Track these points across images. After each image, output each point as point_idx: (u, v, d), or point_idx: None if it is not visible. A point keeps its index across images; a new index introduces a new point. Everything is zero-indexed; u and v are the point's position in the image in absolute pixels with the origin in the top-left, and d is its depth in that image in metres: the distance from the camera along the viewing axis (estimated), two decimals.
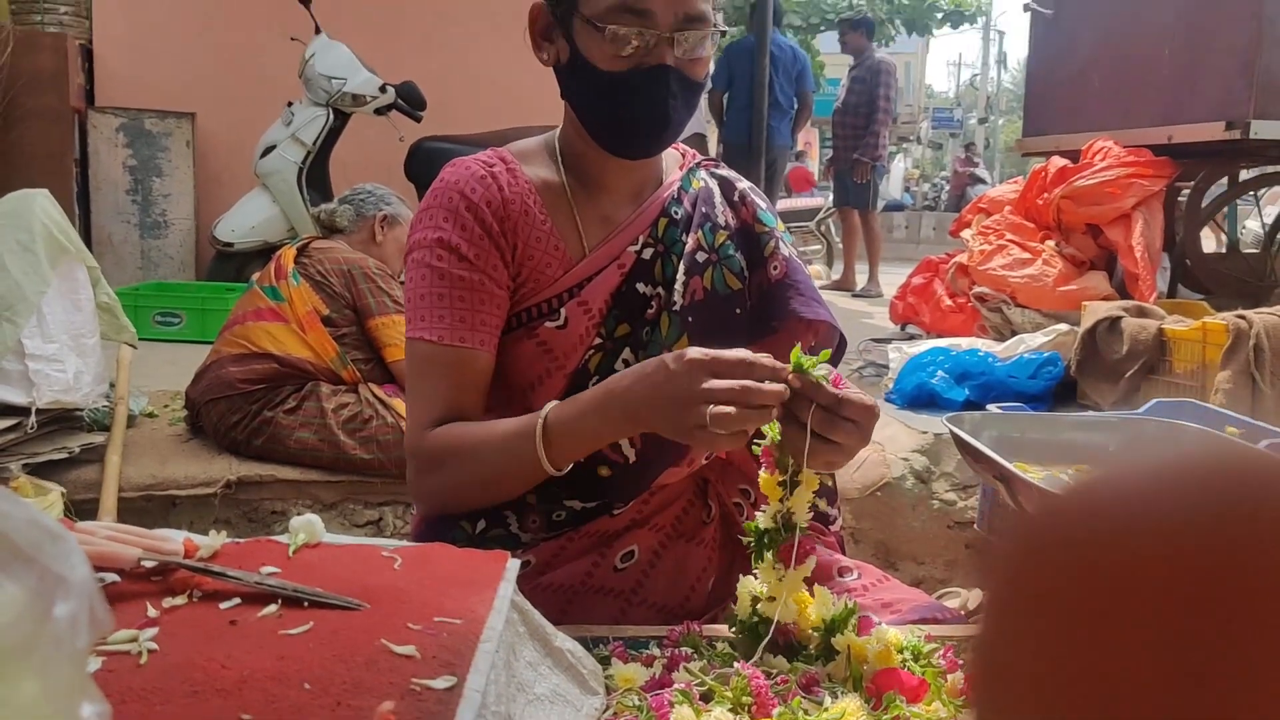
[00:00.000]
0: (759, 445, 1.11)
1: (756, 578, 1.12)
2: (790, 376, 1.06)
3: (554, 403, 1.17)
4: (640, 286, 1.31)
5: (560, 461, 1.16)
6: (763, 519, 1.11)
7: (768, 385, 1.03)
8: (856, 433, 1.06)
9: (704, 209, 1.37)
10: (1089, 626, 0.30)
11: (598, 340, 1.29)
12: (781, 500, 1.10)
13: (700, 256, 1.34)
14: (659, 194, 1.36)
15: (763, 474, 1.11)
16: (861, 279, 7.69)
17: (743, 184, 1.44)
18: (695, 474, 1.41)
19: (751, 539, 1.12)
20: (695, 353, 1.06)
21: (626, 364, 1.30)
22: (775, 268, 1.39)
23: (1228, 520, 0.30)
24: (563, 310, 1.28)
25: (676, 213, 1.35)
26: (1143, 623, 0.29)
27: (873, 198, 7.67)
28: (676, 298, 1.31)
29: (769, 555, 1.10)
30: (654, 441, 1.28)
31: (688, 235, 1.34)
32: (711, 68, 6.26)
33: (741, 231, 1.40)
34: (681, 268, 1.32)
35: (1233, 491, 0.31)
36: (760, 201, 1.43)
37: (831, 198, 7.86)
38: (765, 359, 1.05)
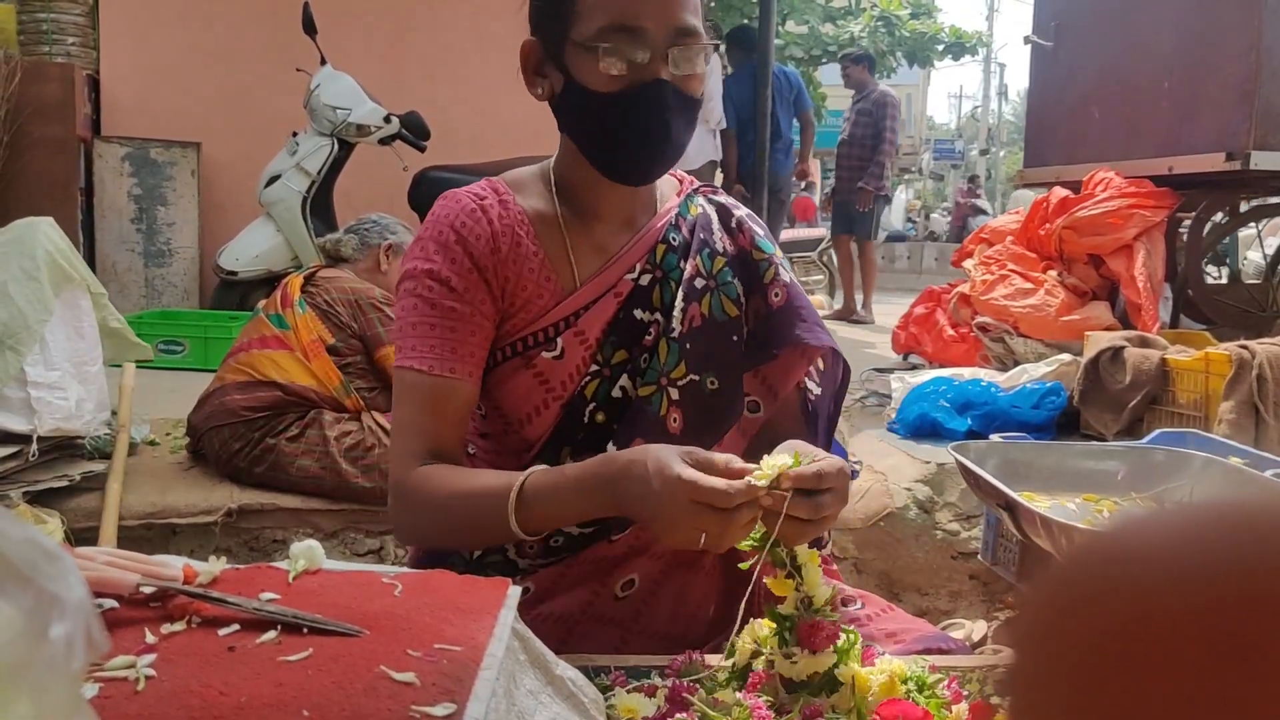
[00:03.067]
0: (746, 563, 1.09)
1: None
2: (770, 495, 1.04)
3: (537, 468, 1.17)
4: (638, 313, 1.31)
5: (531, 527, 1.15)
6: (784, 608, 1.09)
7: (745, 511, 1.03)
8: (834, 500, 1.07)
9: (702, 235, 1.37)
10: (1121, 679, 0.30)
11: (594, 367, 1.29)
12: (797, 589, 1.08)
13: (698, 283, 1.34)
14: (656, 220, 1.35)
15: (767, 579, 1.09)
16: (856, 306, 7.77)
17: (740, 210, 1.44)
18: None
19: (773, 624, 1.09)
20: (688, 477, 1.02)
21: (624, 390, 1.30)
22: (776, 294, 1.38)
23: (1259, 571, 0.29)
24: (559, 340, 1.28)
25: (675, 239, 1.35)
26: (1175, 675, 0.29)
27: (875, 228, 7.72)
28: (675, 324, 1.31)
29: (789, 636, 1.07)
30: None
31: (686, 261, 1.34)
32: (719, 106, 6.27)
33: (739, 258, 1.39)
34: (680, 294, 1.32)
35: (1263, 541, 0.30)
36: (758, 228, 1.43)
37: (830, 227, 7.90)
38: (742, 487, 1.03)
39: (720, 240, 1.39)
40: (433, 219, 1.29)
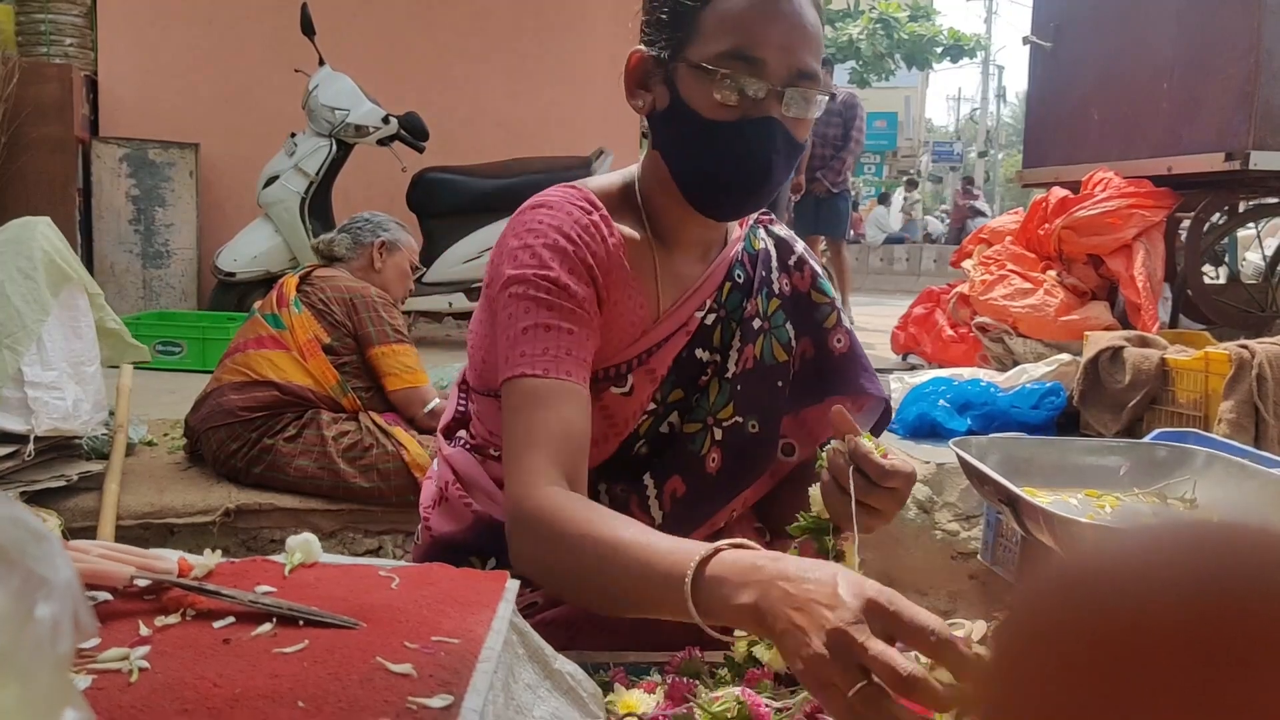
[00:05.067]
0: (797, 543, 1.10)
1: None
2: (843, 443, 1.07)
3: (724, 547, 0.94)
4: (699, 352, 1.27)
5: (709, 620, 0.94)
6: None
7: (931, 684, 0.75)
8: (893, 499, 1.07)
9: (764, 273, 1.33)
10: (1102, 696, 0.30)
11: (652, 405, 1.25)
12: None
13: (756, 324, 1.30)
14: (725, 254, 1.30)
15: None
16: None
17: (799, 246, 1.40)
18: None
19: None
20: (873, 593, 0.81)
21: (672, 426, 1.27)
22: (839, 340, 1.36)
23: (1245, 590, 0.29)
24: (630, 378, 1.23)
25: (739, 276, 1.30)
26: (1155, 692, 0.29)
27: (845, 227, 7.76)
28: (731, 365, 1.27)
29: None
30: (684, 505, 1.26)
31: (748, 301, 1.30)
32: None
33: (794, 299, 1.35)
34: (738, 335, 1.28)
35: (1233, 560, 0.31)
36: (817, 268, 1.39)
37: (795, 228, 7.90)
38: (958, 641, 0.78)
39: (779, 280, 1.34)
40: (538, 226, 1.18)
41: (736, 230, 1.34)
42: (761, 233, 1.38)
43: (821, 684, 0.79)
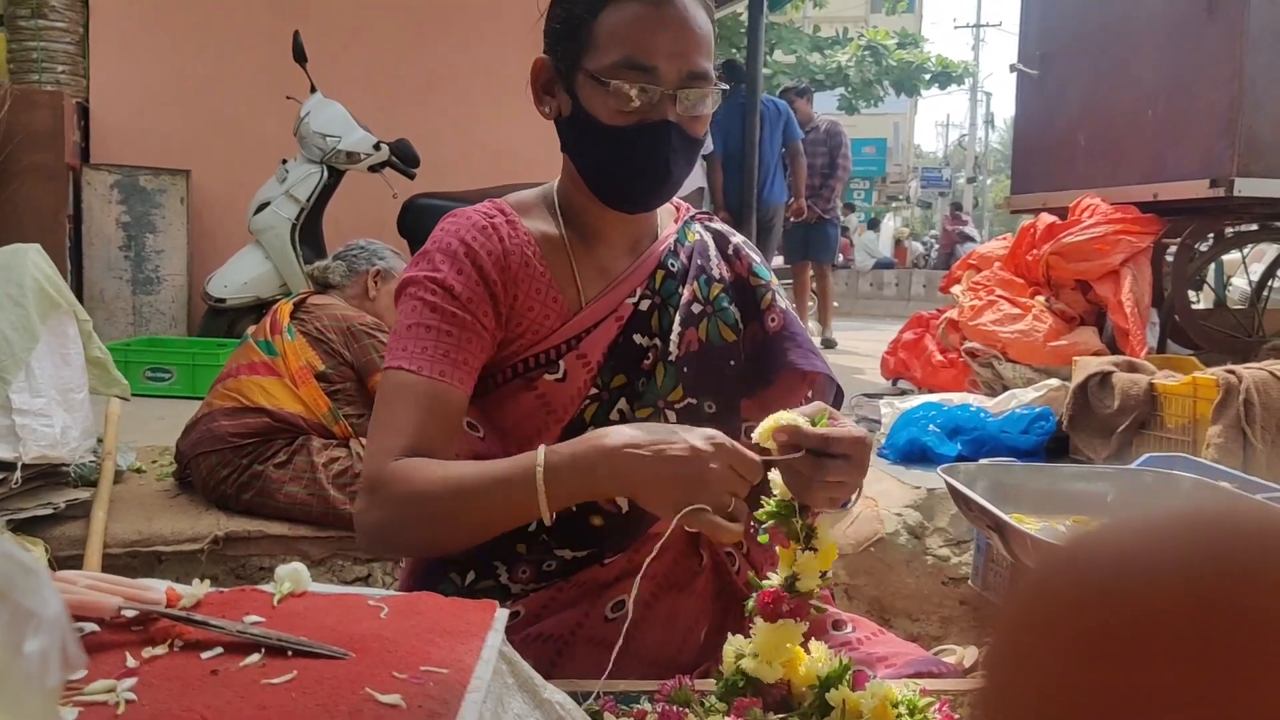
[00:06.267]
0: (765, 531, 1.11)
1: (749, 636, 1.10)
2: (778, 433, 1.08)
3: (545, 447, 1.13)
4: (637, 338, 1.31)
5: (556, 506, 1.12)
6: (770, 582, 1.09)
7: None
8: (848, 467, 1.08)
9: (699, 261, 1.38)
10: (1091, 678, 0.30)
11: (594, 391, 1.29)
12: (793, 561, 1.08)
13: (695, 308, 1.34)
14: (656, 246, 1.36)
15: (779, 549, 1.10)
16: (813, 324, 7.87)
17: (736, 238, 1.45)
18: None
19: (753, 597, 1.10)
20: (722, 439, 1.08)
21: (621, 414, 1.30)
22: (773, 320, 1.39)
23: (1225, 572, 0.30)
24: (561, 363, 1.27)
25: (673, 265, 1.35)
26: (1144, 672, 0.29)
27: (833, 252, 7.94)
28: (672, 348, 1.31)
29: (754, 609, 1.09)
30: None
31: (684, 287, 1.35)
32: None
33: (736, 284, 1.40)
34: (677, 319, 1.32)
35: (1229, 543, 0.31)
36: (754, 255, 1.44)
37: (786, 254, 7.96)
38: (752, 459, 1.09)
39: (718, 267, 1.40)
40: (440, 234, 1.29)
41: (670, 226, 1.40)
42: (697, 226, 1.44)
43: (701, 489, 1.05)
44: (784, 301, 1.42)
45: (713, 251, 1.41)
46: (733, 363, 1.36)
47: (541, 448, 1.12)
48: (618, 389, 1.30)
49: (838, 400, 1.44)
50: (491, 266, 1.25)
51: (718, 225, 1.47)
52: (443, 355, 1.21)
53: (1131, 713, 0.29)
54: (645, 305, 1.32)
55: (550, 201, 1.36)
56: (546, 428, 1.28)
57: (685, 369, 1.31)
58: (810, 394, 1.41)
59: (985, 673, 0.34)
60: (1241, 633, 0.28)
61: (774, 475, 1.10)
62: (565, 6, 1.26)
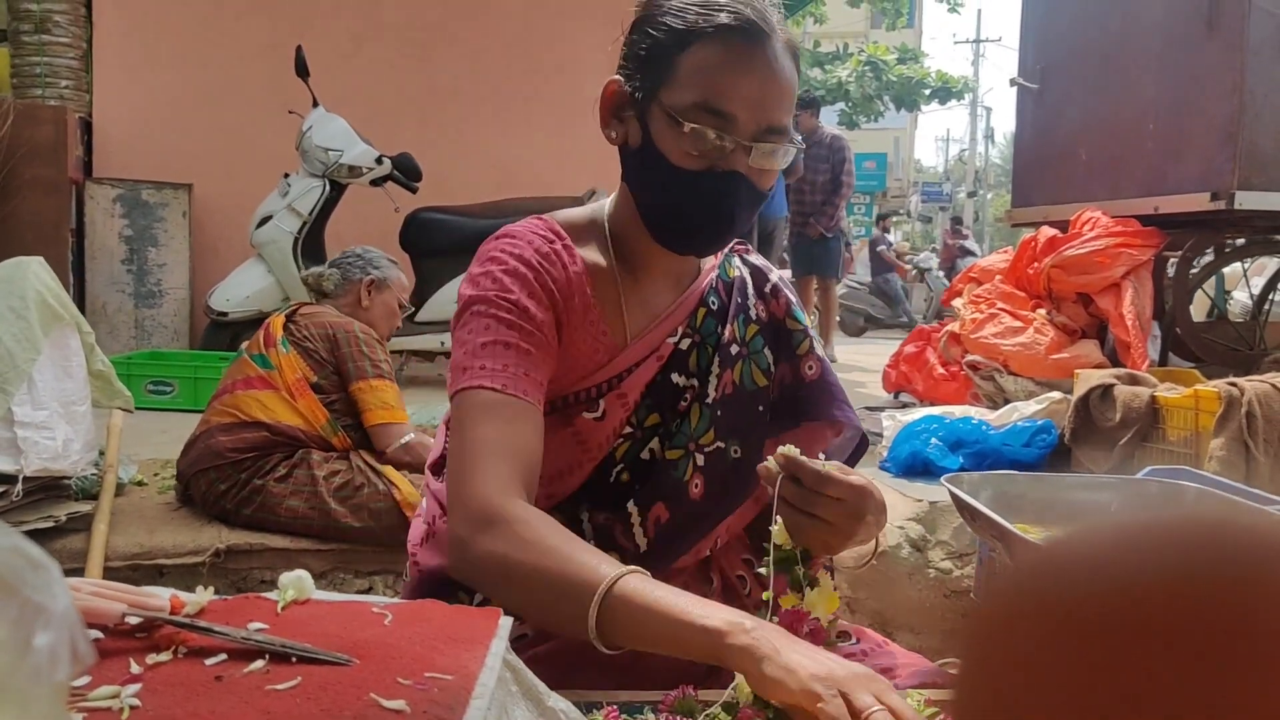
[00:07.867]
0: (764, 569, 1.10)
1: None
2: (778, 456, 1.08)
3: (636, 571, 0.99)
4: (675, 377, 1.28)
5: (613, 640, 0.98)
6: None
7: None
8: (842, 510, 1.07)
9: (739, 299, 1.35)
10: (1065, 678, 0.30)
11: (628, 429, 1.26)
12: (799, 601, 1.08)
13: (733, 349, 1.32)
14: (699, 283, 1.33)
15: (781, 598, 1.09)
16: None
17: (774, 274, 1.42)
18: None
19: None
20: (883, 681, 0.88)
21: (653, 453, 1.27)
22: (810, 367, 1.37)
23: (1204, 574, 0.30)
24: (601, 402, 1.24)
25: (714, 303, 1.32)
26: (1120, 672, 0.29)
27: (837, 267, 7.90)
28: (710, 390, 1.28)
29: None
30: (668, 532, 1.26)
31: (723, 326, 1.32)
32: None
33: (771, 325, 1.37)
34: (716, 360, 1.30)
35: (1208, 544, 0.31)
36: (792, 296, 1.41)
37: (792, 269, 7.94)
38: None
39: (755, 306, 1.36)
40: (500, 254, 1.22)
41: (711, 259, 1.37)
42: (737, 261, 1.40)
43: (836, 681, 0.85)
44: (820, 349, 1.40)
45: (751, 289, 1.37)
46: (761, 407, 1.33)
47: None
48: (651, 428, 1.27)
49: (861, 448, 1.41)
50: (557, 293, 1.20)
51: (755, 259, 1.43)
52: (524, 374, 1.14)
53: (1106, 713, 0.29)
54: (685, 344, 1.29)
55: (601, 229, 1.30)
56: (579, 465, 1.25)
57: (719, 412, 1.28)
58: (836, 439, 1.39)
59: (960, 673, 0.34)
60: (1221, 633, 0.28)
61: (775, 527, 1.10)
62: (652, 33, 1.19)
